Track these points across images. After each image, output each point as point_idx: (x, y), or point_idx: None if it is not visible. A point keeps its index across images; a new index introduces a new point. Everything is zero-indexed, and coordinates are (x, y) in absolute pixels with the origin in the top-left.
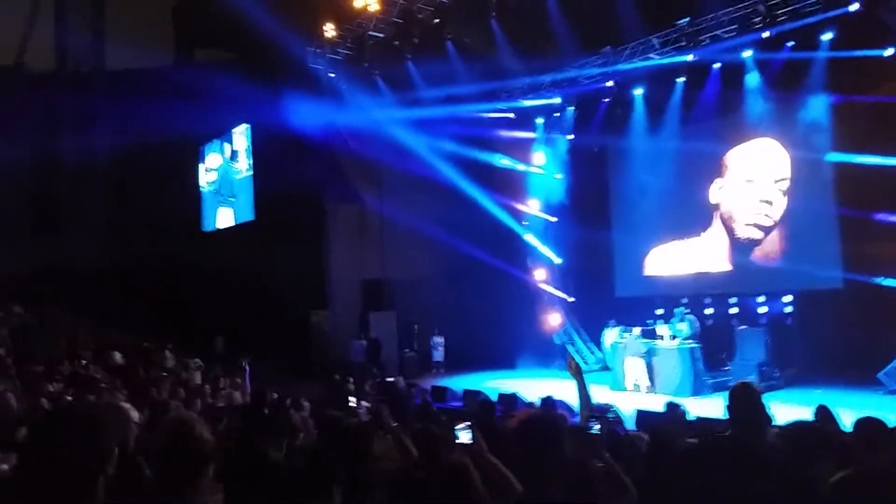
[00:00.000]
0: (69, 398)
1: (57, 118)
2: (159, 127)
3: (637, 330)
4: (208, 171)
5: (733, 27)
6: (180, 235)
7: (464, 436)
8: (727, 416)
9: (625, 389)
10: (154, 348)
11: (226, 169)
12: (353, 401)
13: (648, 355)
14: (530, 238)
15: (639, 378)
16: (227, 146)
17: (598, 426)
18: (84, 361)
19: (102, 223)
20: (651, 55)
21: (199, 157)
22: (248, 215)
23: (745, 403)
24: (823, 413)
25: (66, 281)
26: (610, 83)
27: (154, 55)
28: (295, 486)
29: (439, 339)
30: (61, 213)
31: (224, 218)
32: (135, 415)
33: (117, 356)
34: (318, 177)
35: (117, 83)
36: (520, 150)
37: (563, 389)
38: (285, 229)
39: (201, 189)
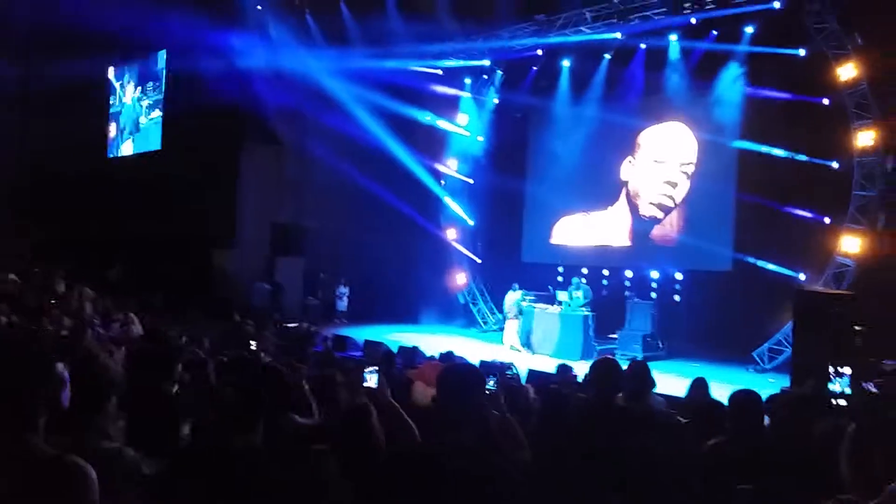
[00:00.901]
0: None
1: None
2: (71, 32)
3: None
4: (119, 96)
5: (663, 10)
6: (85, 159)
7: (371, 379)
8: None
9: (516, 349)
10: (46, 273)
11: (137, 96)
12: (253, 344)
13: (546, 320)
14: (446, 199)
15: (535, 340)
16: (139, 69)
17: (493, 382)
18: None
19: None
20: (582, 28)
21: (117, 77)
22: (155, 144)
23: (603, 374)
24: (699, 384)
25: None
26: (539, 52)
27: None
28: (216, 422)
29: (344, 290)
30: None
31: (130, 145)
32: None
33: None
34: (236, 113)
35: None
36: (445, 107)
37: (464, 346)
38: (196, 163)
39: (112, 111)
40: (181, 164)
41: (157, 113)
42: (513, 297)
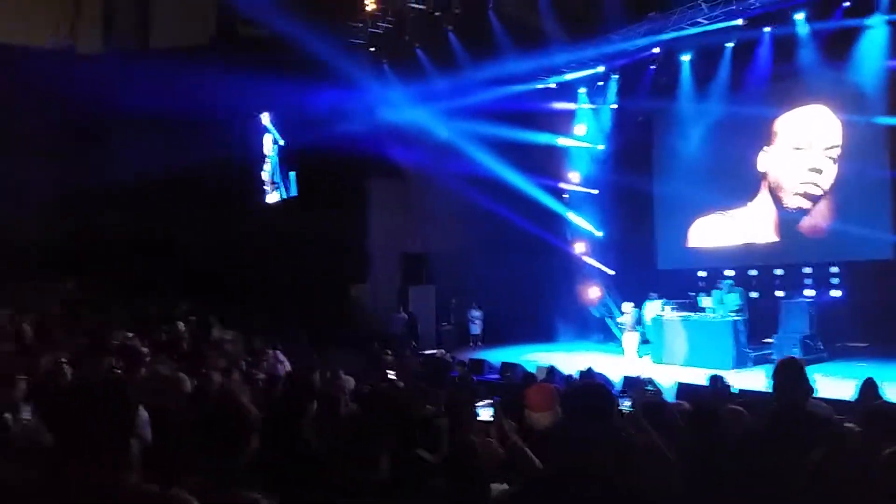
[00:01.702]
0: (118, 371)
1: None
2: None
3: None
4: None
5: None
6: (228, 212)
7: (484, 413)
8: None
9: (666, 362)
10: (199, 321)
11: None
12: (391, 373)
13: (691, 328)
14: (570, 214)
15: (679, 351)
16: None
17: (629, 402)
18: (131, 334)
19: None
20: (699, 20)
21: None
22: (292, 191)
23: (789, 376)
24: (869, 385)
25: (100, 253)
26: (656, 49)
27: (195, 32)
28: (339, 457)
29: (477, 313)
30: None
31: (271, 196)
32: (187, 385)
33: (181, 326)
34: (359, 151)
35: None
36: (561, 121)
37: (602, 363)
38: (326, 203)
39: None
40: (313, 208)
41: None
42: (653, 308)
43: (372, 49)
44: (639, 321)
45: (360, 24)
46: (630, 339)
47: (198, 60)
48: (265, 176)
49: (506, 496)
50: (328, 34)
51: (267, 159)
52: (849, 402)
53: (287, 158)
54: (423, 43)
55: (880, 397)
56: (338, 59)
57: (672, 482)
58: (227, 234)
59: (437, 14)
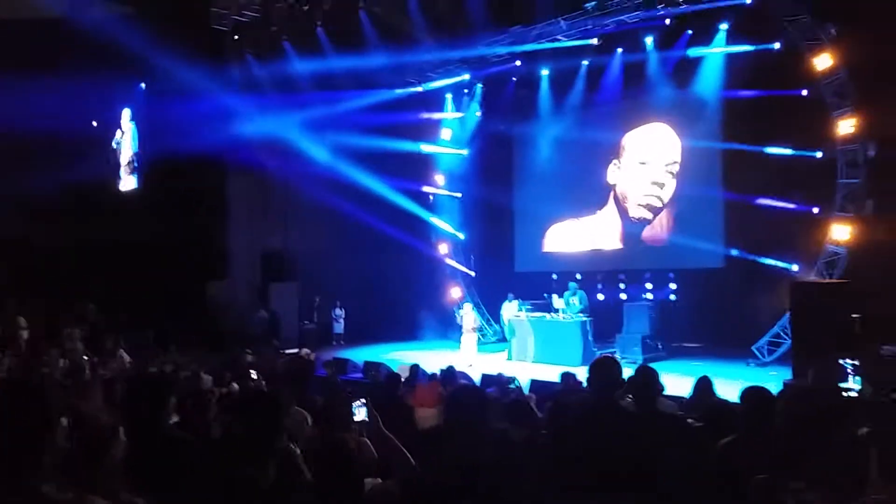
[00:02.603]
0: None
1: None
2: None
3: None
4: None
5: (637, 13)
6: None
7: (360, 413)
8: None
9: (521, 360)
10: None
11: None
12: (253, 373)
13: (544, 328)
14: (432, 218)
15: (533, 349)
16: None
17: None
18: None
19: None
20: (558, 37)
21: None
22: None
23: (602, 372)
24: (704, 384)
25: None
26: (518, 63)
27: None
28: (230, 458)
29: (340, 312)
30: None
31: (125, 183)
32: None
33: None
34: (217, 144)
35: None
36: (428, 126)
37: (459, 359)
38: (181, 197)
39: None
40: (167, 199)
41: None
42: (510, 308)
43: (236, 38)
44: (478, 327)
45: (226, 11)
46: (468, 340)
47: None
48: (121, 159)
49: (382, 489)
50: (190, 20)
51: (121, 140)
52: (685, 398)
53: (143, 147)
54: (291, 36)
55: (713, 394)
56: (199, 47)
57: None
58: (79, 225)
59: (305, 8)
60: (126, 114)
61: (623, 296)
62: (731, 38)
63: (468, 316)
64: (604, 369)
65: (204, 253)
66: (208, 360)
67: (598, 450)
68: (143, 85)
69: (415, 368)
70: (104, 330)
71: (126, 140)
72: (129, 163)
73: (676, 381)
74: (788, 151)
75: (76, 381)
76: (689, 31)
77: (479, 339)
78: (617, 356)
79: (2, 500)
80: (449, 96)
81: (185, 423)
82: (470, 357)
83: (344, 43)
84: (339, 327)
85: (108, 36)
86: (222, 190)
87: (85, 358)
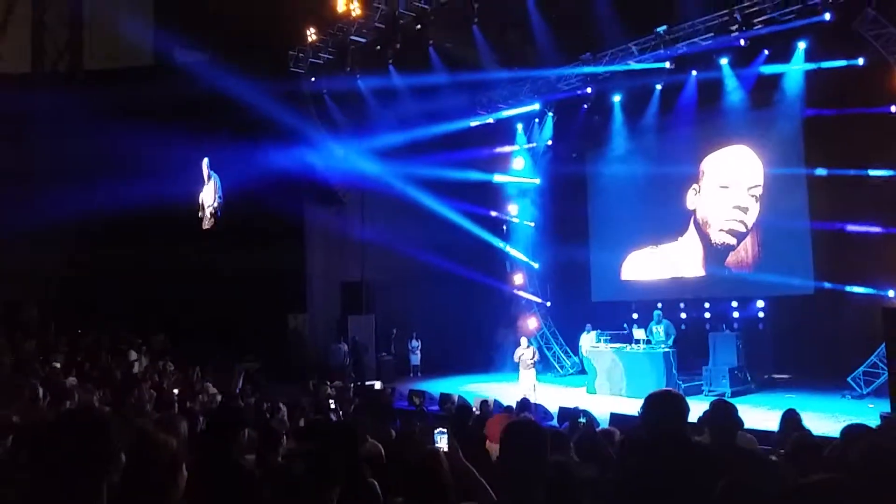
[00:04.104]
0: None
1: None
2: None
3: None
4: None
5: (710, 35)
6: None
7: (441, 440)
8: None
9: (601, 393)
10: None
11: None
12: (332, 404)
13: (625, 359)
14: (507, 248)
15: (615, 382)
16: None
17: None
18: (57, 365)
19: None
20: (629, 61)
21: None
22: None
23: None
24: (791, 416)
25: (38, 282)
26: (589, 90)
27: (133, 55)
28: (294, 490)
29: (416, 343)
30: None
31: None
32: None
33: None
34: (297, 179)
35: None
36: (500, 158)
37: (538, 392)
38: (262, 232)
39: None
40: (249, 234)
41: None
42: (588, 339)
43: (312, 79)
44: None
45: (302, 54)
46: (526, 377)
47: (134, 87)
48: (204, 200)
49: None
50: (269, 62)
51: (207, 182)
52: (773, 432)
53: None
54: (365, 75)
55: (802, 428)
56: (279, 87)
57: None
58: (166, 260)
59: (378, 48)
60: (206, 163)
61: (708, 325)
62: (811, 56)
63: (527, 352)
64: (664, 403)
65: (285, 286)
66: (289, 392)
67: (665, 488)
68: (224, 127)
69: (484, 402)
70: (191, 362)
71: (210, 189)
72: (212, 213)
73: (766, 416)
74: (876, 172)
75: (164, 413)
76: (766, 51)
77: (536, 373)
78: (704, 389)
79: None
80: (520, 126)
81: (261, 456)
82: (526, 390)
83: (415, 79)
84: (416, 359)
85: (190, 81)
86: (301, 224)
87: (175, 392)
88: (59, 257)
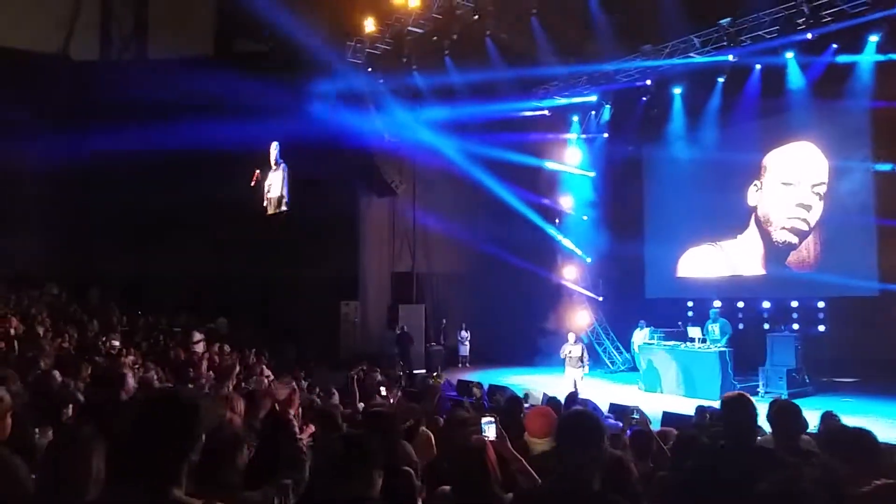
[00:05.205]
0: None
1: (97, 106)
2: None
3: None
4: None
5: (775, 28)
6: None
7: (489, 430)
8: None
9: (653, 391)
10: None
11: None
12: (383, 391)
13: (679, 358)
14: (561, 238)
15: (668, 380)
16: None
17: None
18: (116, 343)
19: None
20: (691, 54)
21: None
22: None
23: (738, 411)
24: (828, 419)
25: (97, 266)
26: (648, 82)
27: (195, 45)
28: (335, 471)
29: (465, 334)
30: (96, 200)
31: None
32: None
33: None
34: (351, 171)
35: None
36: (554, 148)
37: (587, 387)
38: (318, 221)
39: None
40: (306, 224)
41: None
42: (641, 336)
43: (369, 69)
44: (581, 361)
45: (359, 45)
46: (571, 375)
47: (198, 74)
48: (271, 185)
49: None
50: (327, 52)
51: (275, 169)
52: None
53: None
54: (420, 65)
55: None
56: (335, 77)
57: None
58: (226, 246)
59: (434, 38)
60: (275, 147)
61: (766, 325)
62: (883, 49)
63: (574, 348)
64: (738, 406)
65: (338, 275)
66: (340, 378)
67: (728, 489)
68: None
69: (527, 396)
70: (249, 346)
71: (277, 176)
72: (278, 200)
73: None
74: None
75: (222, 393)
76: (835, 45)
77: (583, 372)
78: (760, 390)
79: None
80: (576, 118)
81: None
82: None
83: (471, 70)
84: (465, 349)
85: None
86: (355, 215)
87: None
88: (123, 240)
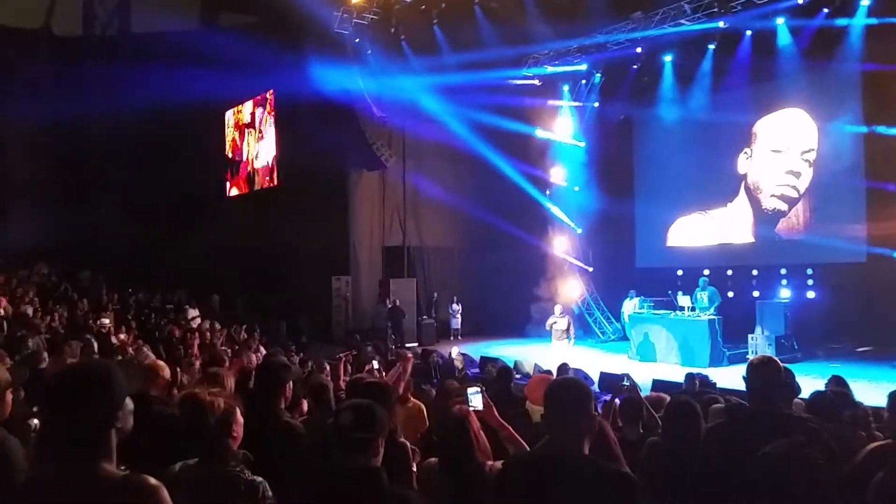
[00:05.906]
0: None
1: (81, 82)
2: (184, 92)
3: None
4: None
5: None
6: (204, 201)
7: (475, 400)
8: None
9: (648, 360)
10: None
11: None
12: (375, 364)
13: (669, 326)
14: (552, 207)
15: (656, 348)
16: (248, 112)
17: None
18: (107, 321)
19: (125, 188)
20: (682, 21)
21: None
22: (271, 182)
23: (764, 376)
24: (837, 383)
25: (90, 245)
26: (638, 49)
27: (180, 19)
28: (342, 440)
29: (457, 307)
30: (86, 178)
31: (244, 183)
32: (166, 373)
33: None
34: (341, 143)
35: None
36: (544, 117)
37: (579, 358)
38: (308, 196)
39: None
40: (294, 198)
41: (270, 150)
42: (631, 305)
43: (357, 40)
44: (568, 334)
45: (347, 15)
46: (558, 347)
47: (182, 48)
48: (256, 164)
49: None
50: (315, 22)
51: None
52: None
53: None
54: (409, 35)
55: (850, 394)
56: (323, 46)
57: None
58: (210, 224)
59: (422, 7)
60: (260, 117)
61: (755, 293)
62: (875, 13)
63: (560, 321)
64: (767, 370)
65: (330, 249)
66: (332, 352)
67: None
68: (271, 89)
69: (516, 365)
70: (241, 321)
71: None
72: (269, 174)
73: (814, 384)
74: None
75: (210, 369)
76: (826, 10)
77: (569, 343)
78: (748, 357)
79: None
80: (566, 87)
81: (310, 413)
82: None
83: (460, 39)
84: (456, 322)
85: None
86: (345, 188)
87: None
88: (113, 217)
